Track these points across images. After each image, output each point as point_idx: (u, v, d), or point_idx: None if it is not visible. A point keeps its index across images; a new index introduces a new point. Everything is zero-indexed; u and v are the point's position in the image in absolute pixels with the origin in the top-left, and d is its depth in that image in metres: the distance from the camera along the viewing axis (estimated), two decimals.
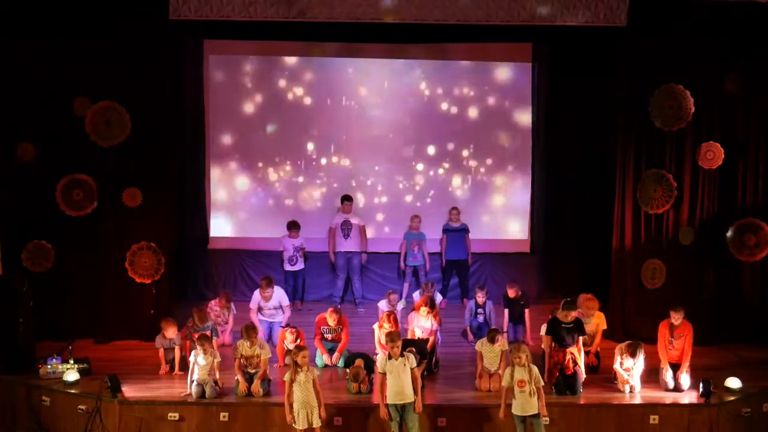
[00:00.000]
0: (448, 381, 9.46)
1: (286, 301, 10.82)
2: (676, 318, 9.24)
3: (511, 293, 10.81)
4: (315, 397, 8.13)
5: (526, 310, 10.72)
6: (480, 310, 10.82)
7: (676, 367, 9.21)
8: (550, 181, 12.74)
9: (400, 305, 11.09)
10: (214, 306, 10.74)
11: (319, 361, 9.89)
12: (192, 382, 8.83)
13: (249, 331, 9.00)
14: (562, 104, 12.46)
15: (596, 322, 9.73)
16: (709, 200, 10.75)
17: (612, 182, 10.97)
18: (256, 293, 10.72)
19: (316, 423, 8.14)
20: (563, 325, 9.10)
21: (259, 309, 10.69)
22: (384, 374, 8.15)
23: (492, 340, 9.15)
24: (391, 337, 8.31)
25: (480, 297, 10.81)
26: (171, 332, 9.62)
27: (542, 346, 9.55)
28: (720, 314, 10.73)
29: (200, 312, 9.92)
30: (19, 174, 10.38)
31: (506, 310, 10.80)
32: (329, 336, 10.02)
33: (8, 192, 10.35)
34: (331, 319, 9.93)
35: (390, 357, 8.16)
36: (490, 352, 9.18)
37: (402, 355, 8.16)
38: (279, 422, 8.55)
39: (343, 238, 12.29)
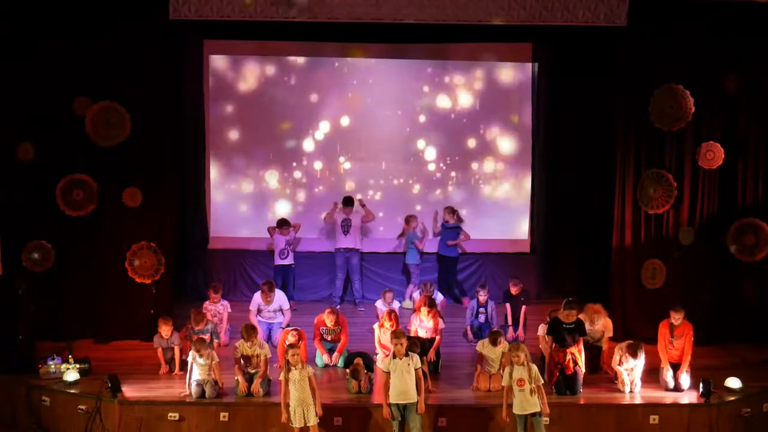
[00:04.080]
0: (448, 381, 9.45)
1: (286, 305, 10.82)
2: (676, 318, 9.25)
3: (514, 290, 10.89)
4: (311, 395, 8.11)
5: (524, 307, 10.83)
6: (482, 309, 10.85)
7: (676, 367, 9.22)
8: (550, 181, 12.74)
9: (396, 305, 11.10)
10: (208, 306, 10.71)
11: (319, 361, 9.90)
12: (191, 382, 8.83)
13: (249, 331, 8.99)
14: (562, 104, 12.45)
15: (602, 330, 9.72)
16: (709, 200, 10.75)
17: (612, 182, 10.97)
18: (257, 296, 10.72)
19: (312, 421, 8.11)
20: (564, 326, 9.10)
21: (258, 311, 10.70)
22: (388, 373, 8.12)
23: (494, 342, 9.14)
24: (395, 334, 8.26)
25: (482, 296, 10.84)
26: (165, 330, 9.61)
27: (540, 347, 9.58)
28: (720, 314, 10.73)
29: (197, 315, 9.88)
30: (19, 174, 10.38)
31: (508, 305, 10.98)
32: (328, 337, 10.02)
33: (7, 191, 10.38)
34: (329, 320, 9.93)
35: (394, 356, 8.13)
36: (491, 354, 9.18)
37: (407, 355, 8.12)
38: (279, 422, 8.54)
39: (342, 235, 12.29)
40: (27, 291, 9.58)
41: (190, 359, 8.85)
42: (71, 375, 9.12)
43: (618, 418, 8.72)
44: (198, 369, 8.81)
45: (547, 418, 8.32)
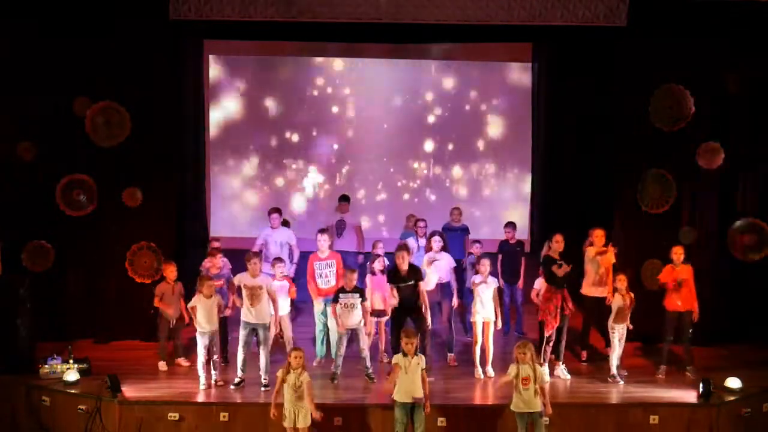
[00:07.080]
0: (448, 380, 9.45)
1: (293, 240, 10.77)
2: (677, 254, 9.51)
3: (509, 237, 10.63)
4: (303, 401, 8.01)
5: (523, 259, 10.65)
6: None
7: (679, 316, 9.57)
8: (550, 180, 12.75)
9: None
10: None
11: (319, 311, 9.72)
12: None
13: (251, 258, 8.94)
14: (562, 104, 12.46)
15: (608, 260, 9.84)
16: (709, 200, 10.75)
17: (612, 182, 10.97)
18: (263, 231, 10.74)
19: (302, 424, 8.03)
20: (556, 261, 9.22)
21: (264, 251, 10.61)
22: (398, 366, 8.03)
23: (479, 264, 9.21)
24: (406, 333, 8.19)
25: (476, 249, 10.37)
26: (172, 272, 9.67)
27: (535, 296, 9.68)
28: (720, 314, 10.73)
29: (212, 249, 9.83)
30: (19, 174, 10.38)
31: (499, 256, 10.66)
32: (324, 272, 9.64)
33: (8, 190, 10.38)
34: (321, 245, 9.57)
35: (404, 354, 8.09)
36: (484, 289, 9.28)
37: (416, 354, 8.10)
38: (279, 422, 8.55)
39: (336, 237, 12.24)
40: (27, 291, 9.58)
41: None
42: (71, 375, 9.13)
43: (618, 418, 8.72)
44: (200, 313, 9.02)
45: (548, 419, 8.31)
